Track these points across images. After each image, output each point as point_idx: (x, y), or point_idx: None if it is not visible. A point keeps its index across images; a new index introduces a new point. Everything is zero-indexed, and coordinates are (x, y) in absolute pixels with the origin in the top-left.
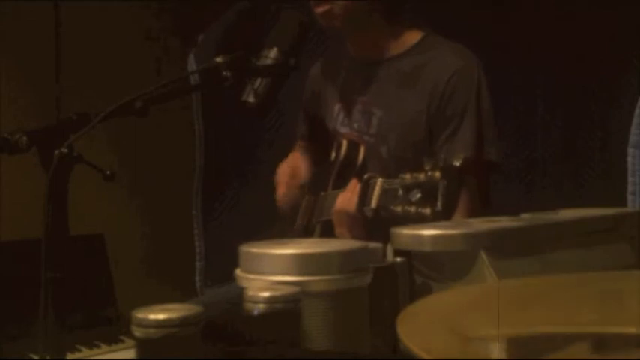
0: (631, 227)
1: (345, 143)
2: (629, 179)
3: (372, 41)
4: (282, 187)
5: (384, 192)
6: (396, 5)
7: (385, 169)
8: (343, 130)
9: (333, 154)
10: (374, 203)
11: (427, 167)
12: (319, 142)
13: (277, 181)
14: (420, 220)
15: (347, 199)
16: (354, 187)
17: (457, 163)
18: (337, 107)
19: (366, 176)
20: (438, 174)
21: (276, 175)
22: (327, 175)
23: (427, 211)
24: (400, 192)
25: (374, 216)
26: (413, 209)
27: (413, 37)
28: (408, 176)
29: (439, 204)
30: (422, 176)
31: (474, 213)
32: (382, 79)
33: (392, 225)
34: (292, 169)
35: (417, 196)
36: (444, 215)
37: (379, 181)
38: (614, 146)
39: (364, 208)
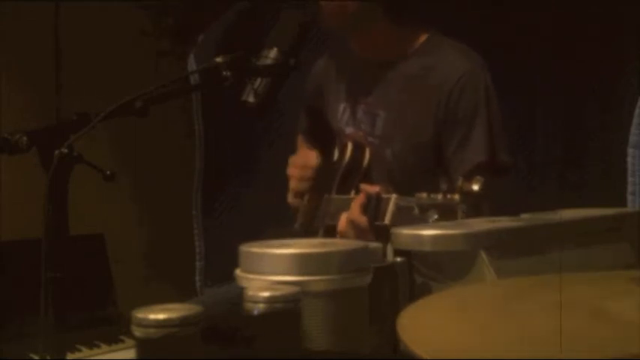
0: (631, 227)
1: (350, 146)
2: (629, 179)
3: (378, 42)
4: (294, 179)
5: (399, 209)
6: (402, 6)
7: (390, 172)
8: (348, 130)
9: (337, 155)
10: (388, 219)
11: (443, 187)
12: (320, 138)
13: (289, 173)
14: None
15: (356, 214)
16: (358, 204)
17: (476, 187)
18: (342, 107)
19: (377, 189)
20: (457, 197)
21: (288, 168)
22: (330, 176)
23: None
24: (416, 210)
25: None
26: None
27: (418, 38)
28: (424, 195)
29: None
30: (439, 197)
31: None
32: (388, 80)
33: None
34: (304, 158)
35: (434, 217)
36: None
37: (393, 197)
38: (614, 146)
39: (376, 223)
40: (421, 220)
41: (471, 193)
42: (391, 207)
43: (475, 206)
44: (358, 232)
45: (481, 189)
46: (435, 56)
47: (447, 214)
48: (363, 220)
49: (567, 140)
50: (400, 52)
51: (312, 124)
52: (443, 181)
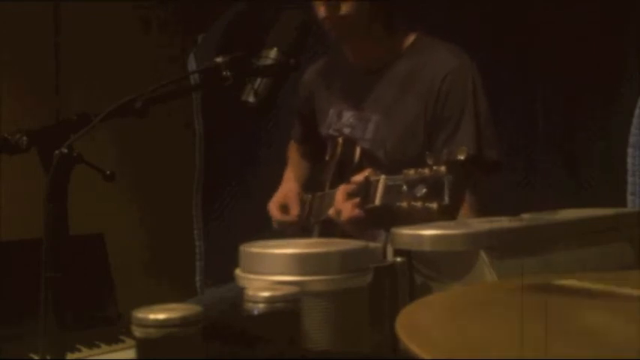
0: (631, 227)
1: (340, 142)
2: (629, 179)
3: (370, 49)
4: (275, 222)
5: (388, 189)
6: (394, 13)
7: (384, 172)
8: (336, 135)
9: (329, 154)
10: (378, 201)
11: (430, 162)
12: (313, 144)
13: (271, 215)
14: (427, 215)
15: (345, 207)
16: (343, 193)
17: (461, 157)
18: (331, 112)
19: (366, 174)
20: (443, 168)
21: (269, 211)
22: (323, 174)
23: (434, 205)
24: (404, 187)
25: (377, 213)
26: (419, 204)
27: (406, 41)
28: (411, 172)
29: (446, 198)
30: (426, 171)
31: (480, 213)
32: (379, 84)
33: (395, 218)
34: (282, 205)
35: (422, 191)
36: (451, 209)
37: (382, 178)
38: (614, 146)
39: (367, 206)
40: (410, 196)
41: (457, 162)
42: (380, 188)
43: (463, 177)
44: (346, 220)
45: (466, 158)
46: (423, 56)
47: (435, 187)
48: (347, 207)
49: (567, 140)
50: (391, 55)
51: (304, 132)
52: (429, 157)
